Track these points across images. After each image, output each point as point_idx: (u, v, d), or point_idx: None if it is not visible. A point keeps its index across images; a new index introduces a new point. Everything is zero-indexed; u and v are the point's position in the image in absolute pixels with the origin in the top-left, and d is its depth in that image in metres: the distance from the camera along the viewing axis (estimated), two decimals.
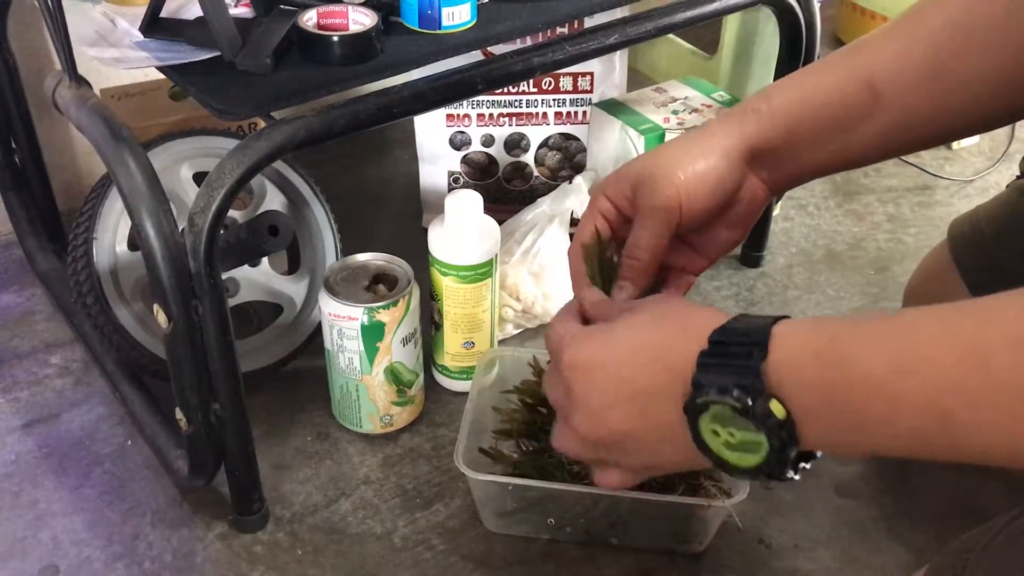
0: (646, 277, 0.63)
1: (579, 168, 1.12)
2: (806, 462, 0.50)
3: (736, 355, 0.48)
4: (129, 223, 0.83)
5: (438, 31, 0.76)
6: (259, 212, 0.88)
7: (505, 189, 1.13)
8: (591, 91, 1.09)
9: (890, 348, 0.45)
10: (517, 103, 1.08)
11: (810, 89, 0.63)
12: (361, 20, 0.74)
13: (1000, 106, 0.61)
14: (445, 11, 0.75)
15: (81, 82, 0.73)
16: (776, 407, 0.47)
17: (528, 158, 1.12)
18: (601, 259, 0.65)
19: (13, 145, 0.99)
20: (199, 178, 0.86)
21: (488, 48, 0.93)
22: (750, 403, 0.47)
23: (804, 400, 0.47)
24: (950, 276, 0.82)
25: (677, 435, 0.51)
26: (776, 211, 1.13)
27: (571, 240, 0.68)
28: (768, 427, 0.47)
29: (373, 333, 0.80)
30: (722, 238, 0.67)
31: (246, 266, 0.88)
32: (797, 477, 0.50)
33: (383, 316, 0.80)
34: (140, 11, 0.75)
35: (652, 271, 0.63)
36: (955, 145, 1.30)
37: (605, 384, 0.54)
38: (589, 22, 0.89)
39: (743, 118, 0.64)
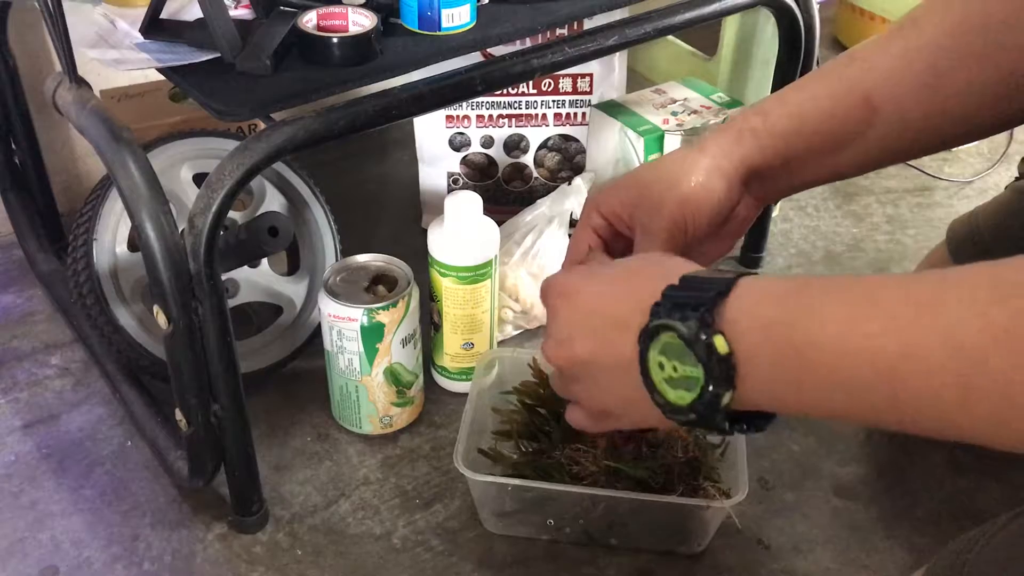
0: None
1: (578, 169, 1.12)
2: (745, 425, 0.50)
3: (698, 289, 0.49)
4: (129, 224, 0.83)
5: (438, 32, 0.76)
6: (259, 213, 0.88)
7: (504, 190, 1.13)
8: (590, 92, 1.09)
9: (851, 297, 0.45)
10: (516, 104, 1.09)
11: (807, 106, 0.63)
12: (361, 22, 0.74)
13: (996, 114, 0.61)
14: (445, 12, 0.75)
15: (81, 83, 0.73)
16: (720, 342, 0.47)
17: (527, 159, 1.12)
18: None
19: (13, 146, 0.99)
20: (199, 179, 0.86)
21: (488, 50, 0.94)
22: (695, 331, 0.47)
23: (752, 340, 0.47)
24: None
25: (630, 369, 0.51)
26: (775, 212, 1.14)
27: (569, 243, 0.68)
28: (707, 361, 0.47)
29: (373, 334, 0.80)
30: (712, 250, 0.67)
31: (246, 267, 0.88)
32: (731, 433, 0.51)
33: (383, 317, 0.80)
34: (140, 13, 0.75)
35: None
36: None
37: (578, 310, 0.56)
38: (589, 23, 0.89)
39: (740, 138, 0.63)
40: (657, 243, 0.62)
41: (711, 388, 0.48)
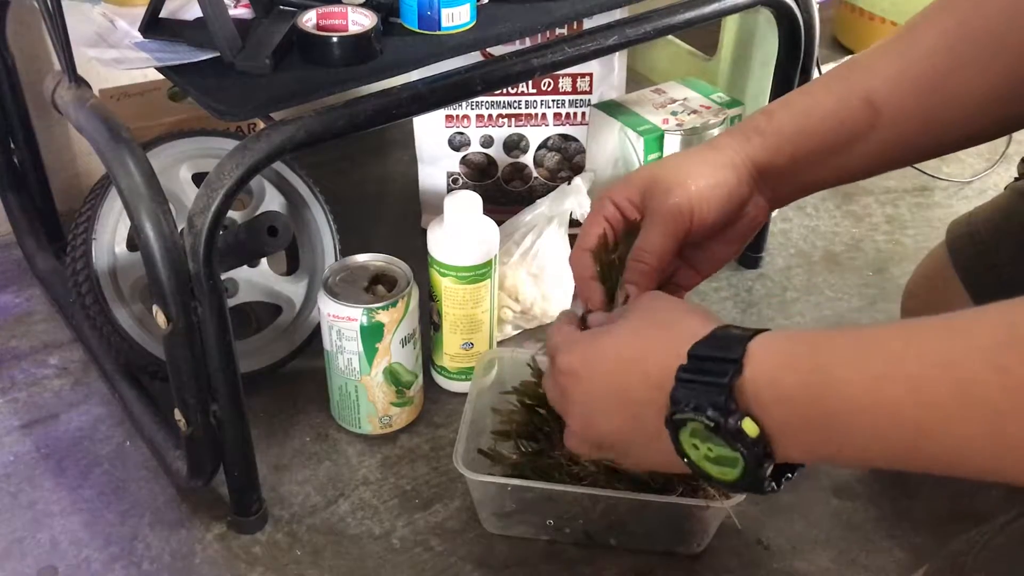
0: (651, 282, 0.63)
1: (578, 169, 1.12)
2: (791, 472, 0.52)
3: (711, 371, 0.49)
4: (128, 224, 0.83)
5: (437, 32, 0.76)
6: (258, 213, 0.88)
7: (504, 190, 1.13)
8: (590, 92, 1.09)
9: (867, 359, 0.46)
10: (516, 104, 1.08)
11: (810, 108, 0.64)
12: (360, 21, 0.74)
13: (994, 119, 0.61)
14: (444, 12, 0.75)
15: (80, 83, 0.73)
16: (749, 426, 0.48)
17: (527, 159, 1.12)
18: (608, 262, 0.65)
19: (12, 146, 0.99)
20: (198, 179, 0.86)
21: (487, 49, 0.93)
22: (723, 421, 0.48)
23: (780, 413, 0.48)
24: (948, 277, 0.82)
25: (664, 442, 0.53)
26: (774, 212, 1.13)
27: (571, 243, 0.68)
28: (742, 445, 0.48)
29: (372, 334, 0.80)
30: (718, 254, 0.68)
31: (245, 267, 0.88)
32: (780, 488, 0.51)
33: (382, 317, 0.80)
34: (140, 12, 0.75)
35: (658, 276, 0.64)
36: None
37: (594, 391, 0.57)
38: (588, 23, 0.89)
39: (748, 137, 0.65)
40: (661, 227, 0.63)
41: (752, 466, 0.49)
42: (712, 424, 0.48)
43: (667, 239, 0.63)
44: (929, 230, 1.16)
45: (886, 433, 0.45)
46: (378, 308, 0.80)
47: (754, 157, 0.64)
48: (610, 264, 0.65)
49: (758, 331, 0.51)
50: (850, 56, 0.66)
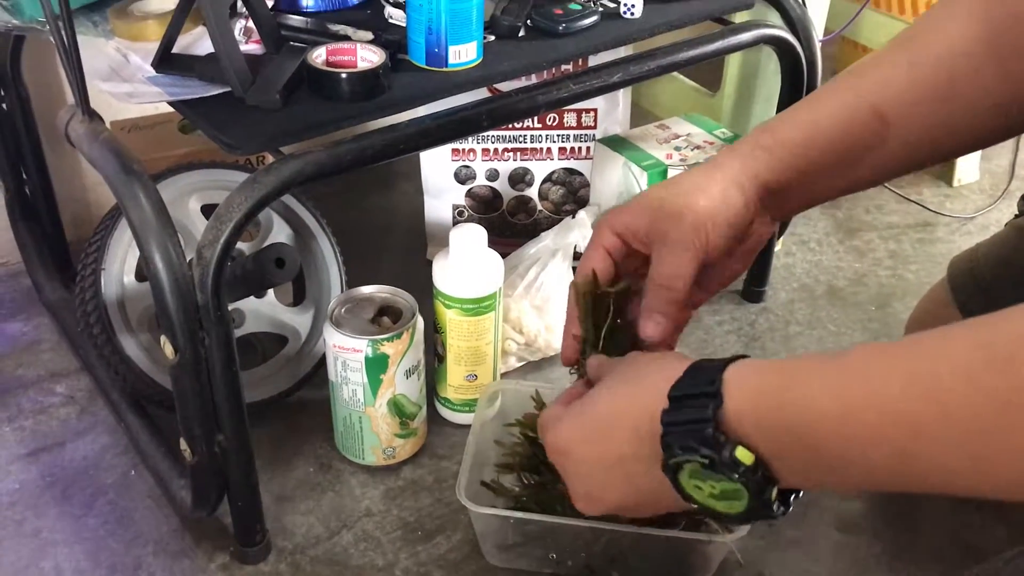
0: (681, 308, 0.62)
1: (582, 203, 1.13)
2: (796, 493, 0.51)
3: (693, 409, 0.49)
4: (137, 254, 0.84)
5: (445, 69, 0.77)
6: (266, 244, 0.89)
7: (509, 223, 1.14)
8: (595, 127, 1.10)
9: (840, 385, 0.46)
10: (522, 138, 1.10)
11: (818, 121, 0.63)
12: (369, 58, 0.75)
13: (1004, 123, 0.61)
14: (452, 49, 0.76)
15: (94, 116, 0.74)
16: (743, 454, 0.48)
17: (532, 192, 1.13)
18: (596, 299, 0.65)
19: (24, 176, 1.00)
20: (207, 210, 0.87)
21: (494, 85, 0.95)
22: (716, 456, 0.48)
23: (769, 443, 0.48)
24: (950, 313, 0.83)
25: (668, 492, 0.52)
26: (778, 247, 1.14)
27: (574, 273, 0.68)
28: (741, 474, 0.48)
29: (377, 365, 0.81)
30: (726, 271, 0.67)
31: (252, 297, 0.89)
32: (790, 509, 0.51)
33: (387, 348, 0.80)
34: (152, 47, 0.76)
35: (685, 303, 0.63)
36: (955, 182, 1.32)
37: (588, 465, 0.57)
38: (593, 60, 0.90)
39: (752, 154, 0.63)
40: (683, 253, 0.61)
41: (756, 493, 0.49)
42: (707, 461, 0.48)
43: (690, 264, 0.61)
44: (931, 266, 1.16)
45: (872, 458, 0.44)
46: (383, 339, 0.80)
47: (759, 175, 0.62)
48: (600, 300, 0.65)
49: (730, 360, 0.51)
50: (852, 66, 0.66)
